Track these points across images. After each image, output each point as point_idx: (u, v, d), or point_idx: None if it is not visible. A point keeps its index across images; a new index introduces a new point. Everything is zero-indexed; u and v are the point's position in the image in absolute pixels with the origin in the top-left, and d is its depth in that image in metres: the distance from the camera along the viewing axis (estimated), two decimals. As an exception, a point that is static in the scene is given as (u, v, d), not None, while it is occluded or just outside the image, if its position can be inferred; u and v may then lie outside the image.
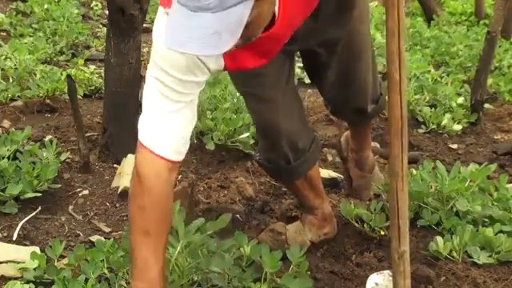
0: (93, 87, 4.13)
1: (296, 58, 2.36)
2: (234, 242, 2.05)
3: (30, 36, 5.05)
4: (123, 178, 2.77)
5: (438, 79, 4.42)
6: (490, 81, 4.43)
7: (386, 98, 1.68)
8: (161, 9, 1.66)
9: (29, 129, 2.98)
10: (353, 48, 2.17)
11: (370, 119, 2.60)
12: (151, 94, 1.70)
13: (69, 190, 2.78)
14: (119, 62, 2.98)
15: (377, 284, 2.05)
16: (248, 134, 3.14)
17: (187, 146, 1.75)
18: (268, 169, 2.42)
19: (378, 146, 3.37)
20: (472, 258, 2.23)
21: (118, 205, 2.71)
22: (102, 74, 3.63)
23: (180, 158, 1.73)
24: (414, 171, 2.67)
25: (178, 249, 1.80)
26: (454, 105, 4.03)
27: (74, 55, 4.89)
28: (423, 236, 2.42)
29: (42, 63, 4.33)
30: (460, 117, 3.92)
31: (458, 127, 3.84)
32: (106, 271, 2.01)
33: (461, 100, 4.08)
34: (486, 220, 2.42)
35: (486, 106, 4.16)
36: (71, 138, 3.22)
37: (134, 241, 1.68)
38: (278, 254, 2.01)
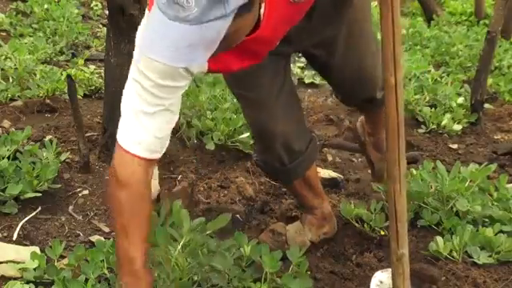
0: (93, 87, 4.13)
1: (296, 58, 2.36)
2: (234, 241, 2.05)
3: (30, 36, 5.05)
4: (123, 177, 2.77)
5: (438, 79, 4.42)
6: (489, 81, 4.43)
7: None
8: (147, 12, 1.65)
9: (29, 129, 2.98)
10: (356, 45, 2.16)
11: (381, 105, 2.58)
12: (130, 95, 1.70)
13: (69, 190, 2.78)
14: (119, 62, 2.97)
15: (381, 282, 2.05)
16: (248, 133, 3.14)
17: (165, 145, 1.76)
18: (265, 170, 2.43)
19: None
20: (472, 257, 2.23)
21: (118, 205, 2.71)
22: (102, 74, 3.62)
23: (156, 156, 1.74)
24: (414, 171, 2.67)
25: (179, 247, 1.80)
26: (454, 105, 4.03)
27: (73, 55, 4.89)
28: (423, 236, 2.42)
29: (42, 63, 4.33)
30: (460, 117, 3.92)
31: (457, 127, 3.84)
32: (105, 271, 2.01)
33: (461, 100, 4.09)
34: (486, 220, 2.42)
35: (486, 106, 4.16)
36: (71, 138, 3.22)
37: (116, 237, 1.76)
38: (278, 254, 2.01)
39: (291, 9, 1.70)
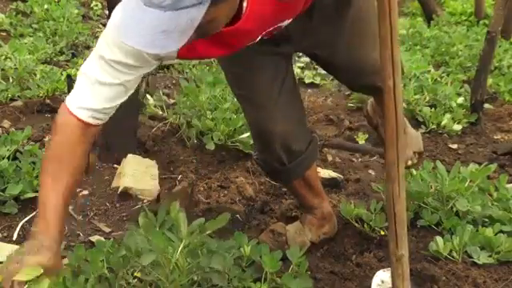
0: (93, 87, 4.12)
1: (296, 58, 2.36)
2: (234, 242, 2.04)
3: (30, 36, 5.05)
4: (123, 178, 2.78)
5: (438, 79, 4.43)
6: (489, 81, 4.44)
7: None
8: None
9: (29, 129, 2.98)
10: (359, 45, 2.14)
11: None
12: (91, 63, 1.75)
13: (69, 190, 2.77)
14: (119, 62, 2.97)
15: (383, 281, 2.05)
16: (248, 133, 3.14)
17: (109, 115, 1.80)
18: (264, 169, 2.43)
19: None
20: (472, 257, 2.23)
21: (118, 205, 2.71)
22: (102, 74, 3.61)
23: (97, 123, 1.78)
24: (414, 171, 2.67)
25: (180, 248, 1.80)
26: (454, 105, 4.04)
27: (73, 55, 4.89)
28: (423, 236, 2.42)
29: (42, 63, 4.33)
30: (460, 117, 3.92)
31: (458, 127, 3.85)
32: (105, 271, 2.00)
33: (461, 100, 4.09)
34: (486, 220, 2.42)
35: (486, 106, 4.16)
36: (71, 138, 3.21)
37: (40, 183, 1.82)
38: (278, 254, 2.01)
39: (276, 7, 1.69)
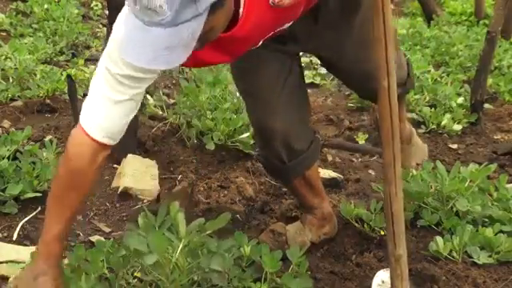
0: (93, 87, 4.12)
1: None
2: (234, 242, 2.04)
3: (30, 36, 5.05)
4: (123, 178, 2.78)
5: (438, 79, 4.42)
6: (489, 81, 4.43)
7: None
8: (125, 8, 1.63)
9: (29, 129, 2.98)
10: (368, 48, 2.12)
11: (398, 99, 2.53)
12: (99, 81, 1.73)
13: (69, 190, 2.77)
14: (119, 62, 2.97)
15: (383, 281, 2.05)
16: (248, 134, 3.14)
17: (121, 134, 1.83)
18: (265, 166, 2.44)
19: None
20: (472, 257, 2.23)
21: (118, 205, 2.71)
22: (102, 74, 3.61)
23: (111, 142, 1.81)
24: (414, 171, 2.67)
25: (179, 248, 1.80)
26: (453, 105, 4.04)
27: (74, 55, 4.89)
28: (423, 236, 2.42)
29: (42, 63, 4.33)
30: (460, 117, 3.92)
31: (458, 127, 3.85)
32: (105, 271, 2.00)
33: (461, 100, 4.09)
34: (486, 220, 2.42)
35: (486, 106, 4.16)
36: (71, 138, 3.21)
37: (48, 207, 1.84)
38: (277, 254, 2.01)
39: (272, 13, 1.69)
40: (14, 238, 2.39)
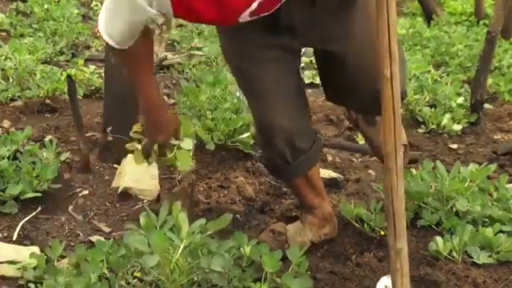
0: (93, 87, 4.13)
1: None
2: (234, 242, 2.05)
3: (30, 36, 5.06)
4: (123, 178, 2.78)
5: (438, 79, 4.42)
6: (489, 81, 4.44)
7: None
8: None
9: (29, 129, 2.98)
10: (373, 44, 2.08)
11: None
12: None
13: (69, 190, 2.78)
14: (119, 62, 2.98)
15: (386, 287, 2.04)
16: (248, 133, 3.14)
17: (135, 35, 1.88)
18: (267, 166, 2.43)
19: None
20: (472, 258, 2.23)
21: (118, 205, 2.71)
22: (102, 74, 3.63)
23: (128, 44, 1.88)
24: (414, 171, 2.67)
25: (180, 249, 1.80)
26: (453, 105, 4.04)
27: (73, 55, 4.89)
28: (423, 236, 2.42)
29: (42, 63, 4.33)
30: (460, 117, 3.92)
31: (457, 127, 3.85)
32: (105, 271, 2.01)
33: (461, 100, 4.09)
34: (486, 220, 2.42)
35: (486, 106, 4.16)
36: (71, 138, 3.22)
37: (132, 78, 2.03)
38: (277, 254, 2.01)
39: None
40: (14, 238, 2.39)
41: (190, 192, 2.72)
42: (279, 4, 1.83)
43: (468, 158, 3.40)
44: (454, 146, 3.66)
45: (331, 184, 2.94)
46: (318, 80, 4.83)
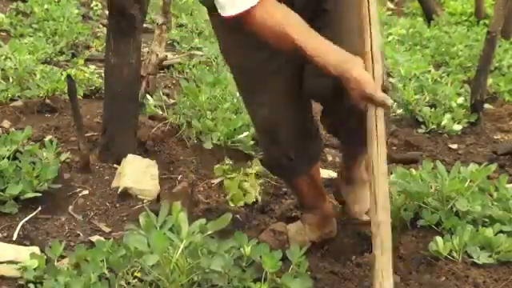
0: (93, 87, 4.13)
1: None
2: (234, 242, 2.05)
3: (30, 36, 5.05)
4: (123, 178, 2.78)
5: (438, 79, 4.42)
6: (489, 81, 4.44)
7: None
8: None
9: (29, 129, 2.98)
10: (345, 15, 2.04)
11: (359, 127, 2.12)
12: None
13: (69, 190, 2.78)
14: (119, 62, 2.98)
15: None
16: (248, 133, 3.14)
17: None
18: (270, 167, 2.42)
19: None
20: (472, 257, 2.23)
21: (117, 205, 2.71)
22: (102, 74, 3.63)
23: None
24: (414, 171, 2.67)
25: (181, 249, 1.80)
26: (454, 105, 4.04)
27: (73, 55, 4.89)
28: (423, 236, 2.42)
29: (42, 63, 4.33)
30: (460, 117, 3.92)
31: (458, 127, 3.85)
32: (105, 271, 2.01)
33: (461, 100, 4.09)
34: (486, 220, 2.42)
35: (486, 106, 4.16)
36: (71, 138, 3.22)
37: (291, 34, 1.80)
38: (277, 254, 2.01)
39: None
40: (14, 238, 2.39)
41: (190, 192, 2.72)
42: None
43: (468, 158, 3.40)
44: (454, 146, 3.66)
45: (331, 184, 2.93)
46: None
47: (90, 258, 2.05)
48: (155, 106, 3.57)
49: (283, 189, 2.87)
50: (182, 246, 1.79)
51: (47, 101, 3.73)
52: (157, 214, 1.92)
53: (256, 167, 2.95)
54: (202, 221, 1.90)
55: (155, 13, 5.15)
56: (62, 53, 4.87)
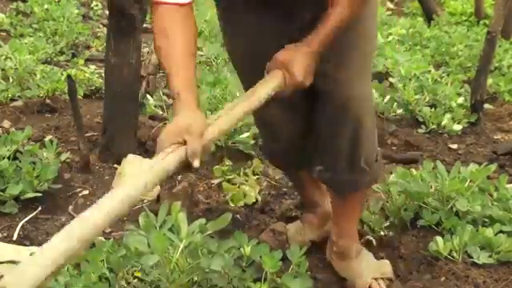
0: (93, 87, 4.13)
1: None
2: (234, 241, 2.05)
3: (30, 36, 5.05)
4: (123, 178, 2.77)
5: (438, 79, 4.42)
6: (489, 81, 4.44)
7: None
8: None
9: (29, 129, 2.98)
10: (346, 61, 1.96)
11: (359, 185, 2.16)
12: None
13: (69, 190, 2.78)
14: (119, 62, 2.98)
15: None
16: (248, 133, 3.14)
17: None
18: (273, 160, 2.43)
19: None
20: (472, 258, 2.23)
21: (118, 205, 2.70)
22: (102, 74, 3.63)
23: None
24: (414, 171, 2.67)
25: (181, 249, 1.80)
26: (454, 105, 4.04)
27: (74, 55, 4.90)
28: (423, 236, 2.42)
29: (42, 63, 4.33)
30: (460, 117, 3.92)
31: (458, 127, 3.85)
32: (106, 271, 2.01)
33: (461, 100, 4.09)
34: (486, 220, 2.42)
35: (486, 106, 4.16)
36: (71, 138, 3.22)
37: (158, 55, 1.78)
38: (277, 253, 2.01)
39: None
40: (14, 238, 2.39)
41: (190, 192, 2.72)
42: None
43: (468, 158, 3.40)
44: (454, 146, 3.66)
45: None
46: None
47: (89, 258, 2.05)
48: (155, 106, 3.57)
49: (283, 189, 2.87)
50: (181, 246, 1.79)
51: (47, 101, 3.73)
52: (156, 214, 1.92)
53: (256, 167, 2.95)
54: (202, 221, 1.90)
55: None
56: (62, 53, 4.88)
